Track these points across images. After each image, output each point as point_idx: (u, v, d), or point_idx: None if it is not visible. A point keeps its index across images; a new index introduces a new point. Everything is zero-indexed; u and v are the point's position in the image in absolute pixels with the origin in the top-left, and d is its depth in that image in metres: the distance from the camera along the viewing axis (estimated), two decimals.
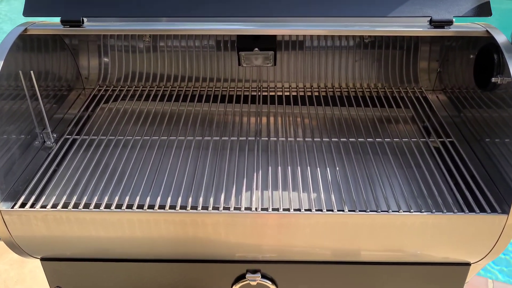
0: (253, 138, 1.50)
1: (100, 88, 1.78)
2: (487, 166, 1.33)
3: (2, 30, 6.83)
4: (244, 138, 1.51)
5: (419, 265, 1.32)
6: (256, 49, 1.53)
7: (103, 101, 1.71)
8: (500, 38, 1.25)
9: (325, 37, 1.74)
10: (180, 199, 1.24)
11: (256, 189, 1.30)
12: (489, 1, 1.30)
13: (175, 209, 1.20)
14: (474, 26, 1.32)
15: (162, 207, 1.21)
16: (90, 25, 1.32)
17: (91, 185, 1.31)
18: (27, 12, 1.33)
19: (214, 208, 1.20)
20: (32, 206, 1.23)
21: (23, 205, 1.24)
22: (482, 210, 1.19)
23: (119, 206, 1.21)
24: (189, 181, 1.33)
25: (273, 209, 1.20)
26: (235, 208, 1.22)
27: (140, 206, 1.20)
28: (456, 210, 1.19)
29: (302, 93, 1.74)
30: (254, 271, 1.34)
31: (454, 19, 1.27)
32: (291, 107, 1.67)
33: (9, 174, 1.28)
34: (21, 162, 1.34)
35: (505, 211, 1.17)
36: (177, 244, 1.25)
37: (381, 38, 1.73)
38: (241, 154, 1.44)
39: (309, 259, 1.32)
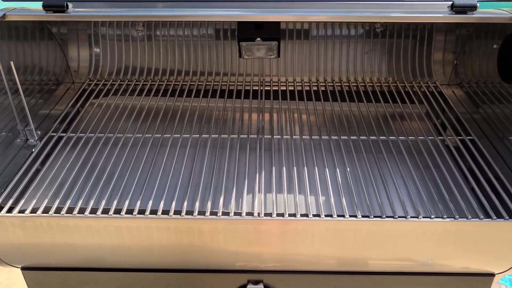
0: (255, 136, 1.42)
1: (90, 82, 1.69)
2: None
3: None
4: (245, 135, 1.42)
5: (437, 275, 1.24)
6: (259, 39, 1.45)
7: (93, 96, 1.62)
8: None
9: (333, 26, 1.64)
10: (174, 203, 1.14)
11: (259, 192, 1.21)
12: None
13: (168, 214, 1.11)
14: (500, 12, 1.24)
15: (154, 212, 1.11)
16: (76, 11, 1.23)
17: (77, 187, 1.21)
18: None
19: (212, 213, 1.11)
20: (10, 210, 1.13)
21: None
22: (511, 215, 1.10)
23: (106, 211, 1.11)
24: (185, 183, 1.24)
25: (278, 215, 1.11)
26: (236, 213, 1.13)
27: (130, 211, 1.11)
28: (482, 216, 1.09)
29: (307, 88, 1.65)
30: (256, 282, 1.27)
31: (478, 4, 1.19)
32: (296, 102, 1.58)
33: None
34: (0, 161, 1.26)
35: None
36: (171, 252, 1.17)
37: (392, 27, 1.64)
38: (242, 153, 1.36)
39: (317, 268, 1.24)
